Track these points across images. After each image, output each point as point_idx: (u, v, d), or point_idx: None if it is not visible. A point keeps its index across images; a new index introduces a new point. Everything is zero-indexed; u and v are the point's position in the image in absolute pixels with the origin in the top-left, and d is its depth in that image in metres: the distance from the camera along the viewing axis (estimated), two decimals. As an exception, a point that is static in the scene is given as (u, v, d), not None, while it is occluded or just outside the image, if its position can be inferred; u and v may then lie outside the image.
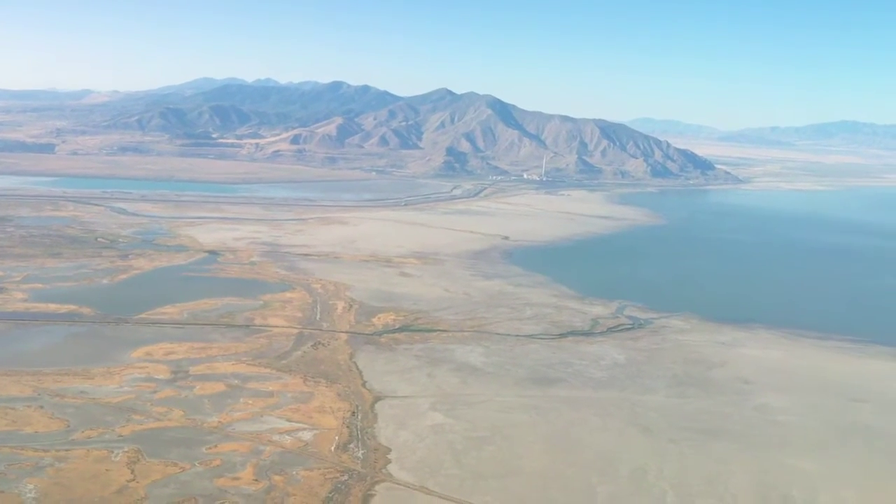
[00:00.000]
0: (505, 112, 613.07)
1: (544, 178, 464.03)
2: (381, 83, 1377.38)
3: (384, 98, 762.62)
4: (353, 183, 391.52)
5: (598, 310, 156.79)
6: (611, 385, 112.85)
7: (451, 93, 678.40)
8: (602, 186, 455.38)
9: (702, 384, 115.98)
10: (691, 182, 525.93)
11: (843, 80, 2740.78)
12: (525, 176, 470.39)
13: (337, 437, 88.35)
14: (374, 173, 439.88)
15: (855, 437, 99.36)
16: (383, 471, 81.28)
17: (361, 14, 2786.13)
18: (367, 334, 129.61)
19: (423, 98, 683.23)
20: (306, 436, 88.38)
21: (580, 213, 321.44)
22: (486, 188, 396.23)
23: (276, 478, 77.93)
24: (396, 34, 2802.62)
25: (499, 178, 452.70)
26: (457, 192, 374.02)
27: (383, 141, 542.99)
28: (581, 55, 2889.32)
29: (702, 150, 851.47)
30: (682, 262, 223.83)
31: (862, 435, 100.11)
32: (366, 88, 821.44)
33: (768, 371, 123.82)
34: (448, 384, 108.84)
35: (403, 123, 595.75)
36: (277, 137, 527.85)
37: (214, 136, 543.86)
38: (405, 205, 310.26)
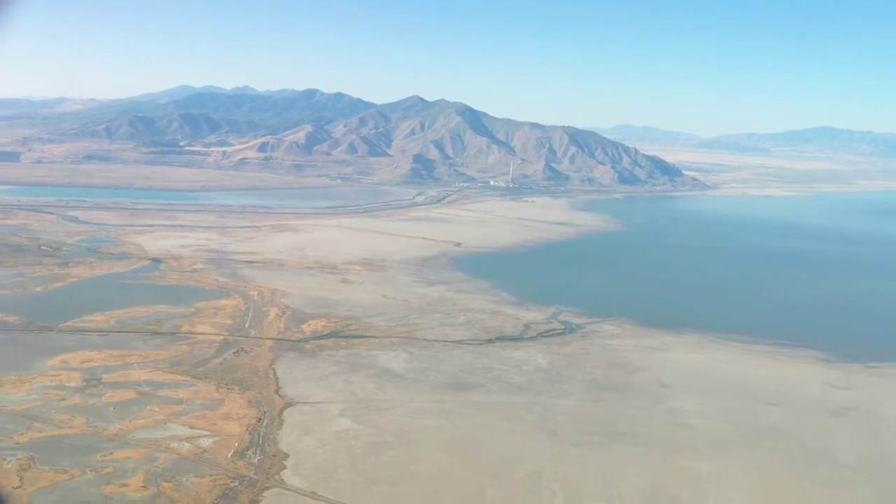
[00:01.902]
0: (475, 119, 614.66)
1: (511, 185, 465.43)
2: (355, 91, 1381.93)
3: (357, 105, 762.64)
4: (317, 190, 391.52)
5: (533, 315, 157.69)
6: (527, 390, 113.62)
7: (422, 100, 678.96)
8: (568, 193, 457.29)
9: (619, 388, 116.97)
10: (658, 188, 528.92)
11: (820, 87, 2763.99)
12: (492, 183, 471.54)
13: (237, 444, 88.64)
14: (339, 181, 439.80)
15: (760, 440, 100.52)
16: (276, 477, 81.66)
17: (338, 22, 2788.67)
18: (293, 341, 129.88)
19: (395, 105, 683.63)
20: (206, 443, 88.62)
21: (540, 219, 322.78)
22: (450, 195, 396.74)
23: (165, 485, 78.18)
24: (371, 41, 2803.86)
25: (465, 185, 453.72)
26: (419, 198, 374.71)
27: (352, 148, 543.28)
28: (558, 63, 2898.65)
29: (678, 157, 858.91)
30: (628, 267, 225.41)
31: (767, 438, 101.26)
32: (339, 96, 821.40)
33: (688, 375, 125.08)
34: (363, 390, 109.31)
35: (373, 131, 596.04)
36: (245, 145, 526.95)
37: (182, 143, 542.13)
38: (364, 212, 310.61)
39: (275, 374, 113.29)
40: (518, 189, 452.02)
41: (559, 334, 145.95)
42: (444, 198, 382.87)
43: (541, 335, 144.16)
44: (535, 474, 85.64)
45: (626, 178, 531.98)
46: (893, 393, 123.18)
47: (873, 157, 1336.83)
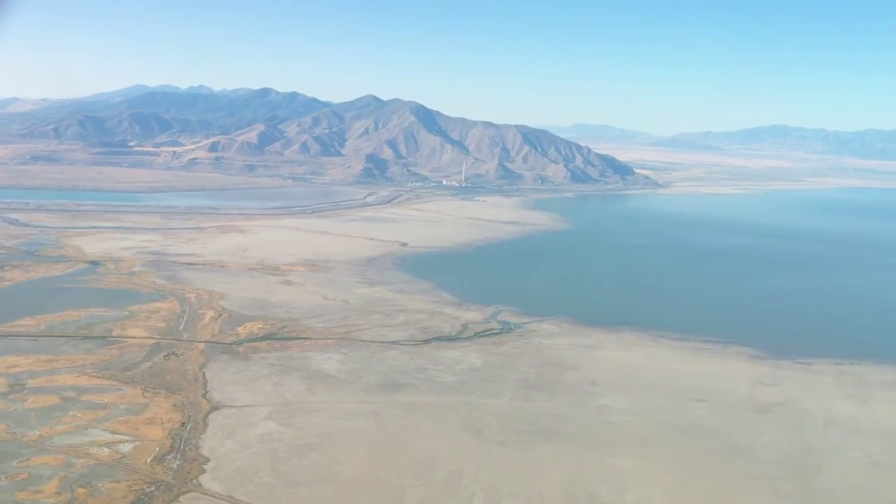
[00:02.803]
0: (428, 118, 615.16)
1: (464, 185, 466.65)
2: (310, 90, 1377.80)
3: (312, 105, 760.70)
4: (267, 191, 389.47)
5: (472, 315, 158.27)
6: (458, 390, 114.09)
7: (376, 99, 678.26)
8: (520, 192, 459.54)
9: (550, 387, 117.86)
10: (610, 187, 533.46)
11: (774, 86, 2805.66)
12: (445, 182, 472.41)
13: (157, 449, 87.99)
14: (290, 181, 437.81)
15: (683, 436, 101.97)
16: (194, 481, 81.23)
17: (294, 21, 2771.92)
18: (226, 344, 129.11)
19: (349, 105, 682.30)
20: (126, 448, 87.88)
21: (489, 218, 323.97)
22: (401, 195, 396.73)
23: (80, 490, 77.46)
24: (327, 40, 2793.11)
25: (418, 184, 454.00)
26: (370, 199, 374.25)
27: (304, 148, 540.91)
28: (513, 61, 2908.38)
29: (633, 156, 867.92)
30: (572, 266, 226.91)
31: (690, 434, 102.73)
32: (294, 95, 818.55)
33: (619, 373, 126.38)
34: (293, 392, 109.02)
35: (327, 130, 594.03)
36: (196, 145, 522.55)
37: (132, 144, 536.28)
38: (312, 212, 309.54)
39: (204, 377, 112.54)
40: (471, 188, 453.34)
41: (496, 334, 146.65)
42: (395, 198, 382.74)
43: (478, 335, 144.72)
44: (457, 474, 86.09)
45: (579, 177, 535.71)
46: (820, 389, 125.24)
47: (825, 155, 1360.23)
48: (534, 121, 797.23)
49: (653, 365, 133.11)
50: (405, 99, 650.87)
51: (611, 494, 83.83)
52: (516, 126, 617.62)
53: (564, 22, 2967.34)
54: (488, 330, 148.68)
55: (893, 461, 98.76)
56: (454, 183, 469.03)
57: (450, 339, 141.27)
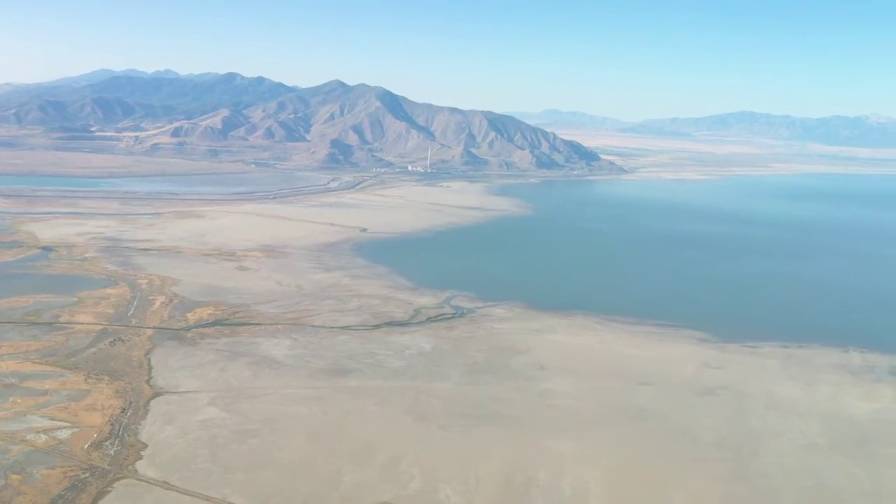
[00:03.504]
0: (394, 104, 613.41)
1: (429, 170, 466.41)
2: (277, 75, 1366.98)
3: (278, 90, 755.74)
4: (230, 176, 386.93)
5: (426, 300, 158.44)
6: (404, 374, 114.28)
7: (343, 84, 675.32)
8: (485, 178, 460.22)
9: (497, 371, 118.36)
10: (575, 173, 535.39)
11: (742, 72, 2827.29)
12: (410, 168, 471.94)
13: (95, 435, 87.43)
14: (253, 166, 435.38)
15: (625, 419, 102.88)
16: (130, 467, 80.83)
17: (259, 4, 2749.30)
18: (175, 329, 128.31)
19: (316, 90, 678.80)
20: (63, 434, 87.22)
21: (452, 204, 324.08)
22: (366, 180, 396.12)
23: (14, 477, 76.87)
24: (293, 25, 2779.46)
25: (383, 170, 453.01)
26: (333, 184, 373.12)
27: (269, 133, 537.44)
28: (481, 47, 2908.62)
29: (602, 142, 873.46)
30: (530, 251, 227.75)
31: (633, 417, 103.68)
32: (260, 80, 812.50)
33: (568, 356, 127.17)
34: (238, 378, 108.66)
35: (292, 115, 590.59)
36: (159, 130, 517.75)
37: (94, 129, 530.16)
38: (274, 198, 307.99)
39: (149, 363, 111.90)
40: (436, 174, 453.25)
41: (448, 319, 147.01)
42: (359, 183, 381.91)
43: (430, 320, 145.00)
44: (396, 458, 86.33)
45: (544, 163, 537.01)
46: (765, 372, 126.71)
47: (791, 141, 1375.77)
48: (503, 107, 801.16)
49: (602, 349, 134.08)
50: (371, 84, 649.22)
51: (548, 478, 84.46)
52: (483, 112, 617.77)
53: (533, 6, 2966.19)
54: (441, 315, 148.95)
55: (832, 443, 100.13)
56: (419, 169, 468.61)
57: (401, 324, 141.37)
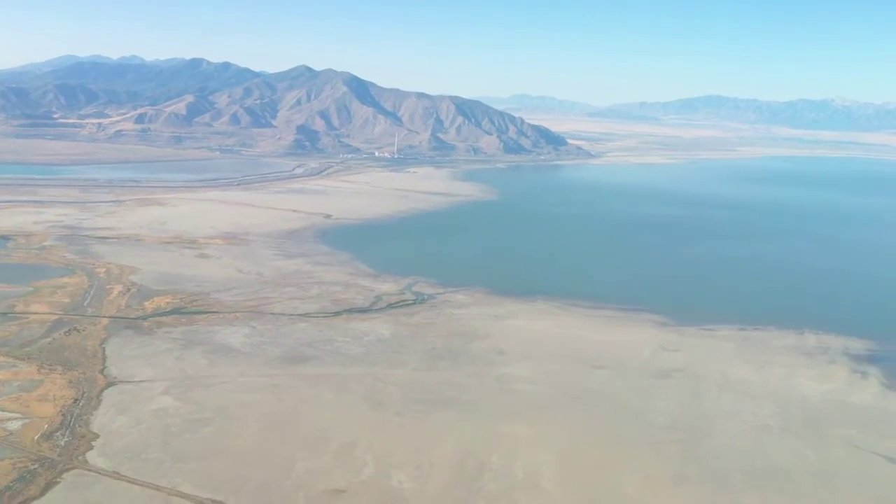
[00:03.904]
0: (362, 89, 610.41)
1: (396, 156, 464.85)
2: (243, 60, 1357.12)
3: (244, 75, 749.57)
4: (194, 163, 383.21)
5: (387, 286, 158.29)
6: (362, 361, 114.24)
7: (310, 70, 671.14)
8: (452, 163, 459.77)
9: (456, 356, 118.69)
10: (542, 157, 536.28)
11: (709, 56, 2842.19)
12: (377, 154, 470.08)
13: (46, 426, 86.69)
14: (218, 153, 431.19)
15: (580, 403, 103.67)
16: (80, 458, 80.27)
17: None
18: (131, 318, 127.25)
19: (282, 75, 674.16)
20: (14, 425, 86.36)
21: (418, 189, 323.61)
22: (332, 166, 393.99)
23: (-40, 470, 76.08)
24: (260, 9, 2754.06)
25: (349, 156, 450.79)
26: (299, 170, 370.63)
27: (235, 119, 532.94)
28: (449, 32, 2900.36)
29: (570, 126, 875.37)
30: (494, 236, 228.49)
31: (588, 401, 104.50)
32: (226, 66, 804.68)
33: (527, 341, 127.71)
34: (194, 367, 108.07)
35: (258, 101, 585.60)
36: (122, 117, 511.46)
37: (56, 115, 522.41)
38: (238, 184, 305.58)
39: (104, 353, 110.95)
40: (403, 160, 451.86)
41: (409, 305, 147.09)
42: (325, 169, 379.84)
43: (390, 306, 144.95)
44: (351, 445, 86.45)
45: (512, 148, 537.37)
46: (719, 354, 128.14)
47: (757, 125, 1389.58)
48: (472, 92, 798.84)
49: (561, 333, 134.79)
50: (339, 69, 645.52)
51: (501, 461, 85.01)
52: (450, 97, 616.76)
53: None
54: (402, 301, 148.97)
55: (783, 424, 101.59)
56: (386, 154, 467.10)
57: (362, 310, 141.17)
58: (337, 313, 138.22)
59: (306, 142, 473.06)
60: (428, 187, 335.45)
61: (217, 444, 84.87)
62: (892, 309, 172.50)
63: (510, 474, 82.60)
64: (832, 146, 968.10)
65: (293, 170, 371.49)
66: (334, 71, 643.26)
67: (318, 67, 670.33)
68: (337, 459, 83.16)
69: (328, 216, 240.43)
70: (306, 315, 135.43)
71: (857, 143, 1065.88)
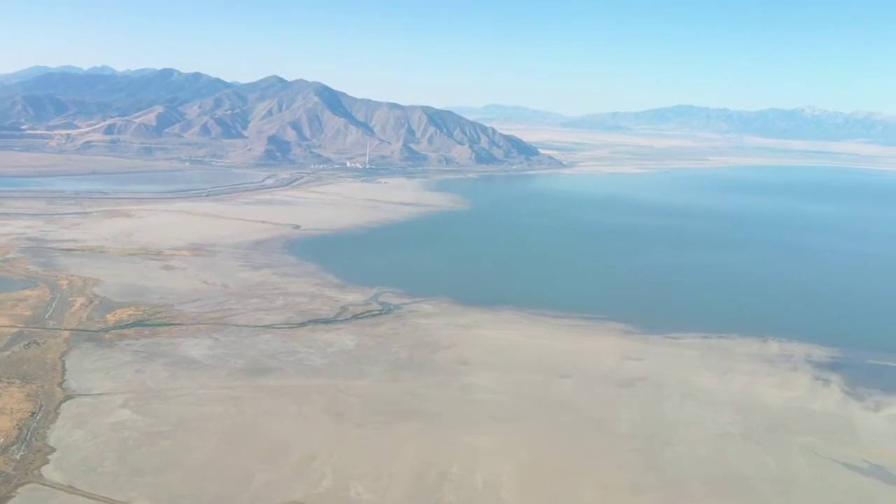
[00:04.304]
0: (333, 99, 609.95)
1: (368, 166, 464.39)
2: (214, 71, 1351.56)
3: (216, 85, 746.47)
4: (163, 174, 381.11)
5: (354, 297, 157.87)
6: (326, 372, 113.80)
7: (281, 80, 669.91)
8: (424, 173, 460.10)
9: (419, 367, 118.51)
10: (514, 167, 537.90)
11: (680, 66, 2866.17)
12: (348, 164, 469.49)
13: (2, 440, 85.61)
14: (188, 163, 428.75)
15: (543, 412, 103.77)
16: (35, 472, 79.33)
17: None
18: (93, 331, 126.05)
19: (253, 86, 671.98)
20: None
21: (389, 200, 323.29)
22: (303, 177, 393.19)
23: (-89, 486, 74.91)
24: (232, 20, 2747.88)
25: (321, 166, 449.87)
26: (269, 181, 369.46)
27: (205, 130, 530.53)
28: (423, 42, 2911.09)
29: (543, 136, 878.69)
30: (462, 246, 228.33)
31: (551, 410, 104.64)
32: (197, 76, 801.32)
33: (491, 351, 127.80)
34: (154, 379, 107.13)
35: (229, 112, 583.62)
36: (91, 128, 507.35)
37: (24, 127, 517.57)
38: (207, 196, 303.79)
39: (63, 366, 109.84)
40: (374, 170, 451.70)
41: (375, 315, 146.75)
42: (295, 180, 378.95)
43: (356, 317, 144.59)
44: (310, 457, 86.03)
45: (484, 158, 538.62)
46: (683, 363, 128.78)
47: (728, 134, 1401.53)
48: (446, 102, 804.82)
49: (526, 343, 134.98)
50: (310, 80, 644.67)
51: (461, 472, 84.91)
52: (422, 107, 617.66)
53: (476, 1, 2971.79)
54: (368, 311, 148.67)
55: (744, 431, 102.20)
56: (358, 165, 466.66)
57: (327, 321, 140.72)
58: (302, 324, 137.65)
59: (277, 152, 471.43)
60: (398, 197, 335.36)
61: (174, 458, 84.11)
62: (856, 316, 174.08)
63: (470, 485, 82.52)
64: (802, 155, 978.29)
65: (263, 180, 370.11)
66: (306, 81, 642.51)
67: (289, 78, 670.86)
68: (295, 472, 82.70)
69: (297, 227, 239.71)
70: (270, 326, 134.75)
71: (827, 152, 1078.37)
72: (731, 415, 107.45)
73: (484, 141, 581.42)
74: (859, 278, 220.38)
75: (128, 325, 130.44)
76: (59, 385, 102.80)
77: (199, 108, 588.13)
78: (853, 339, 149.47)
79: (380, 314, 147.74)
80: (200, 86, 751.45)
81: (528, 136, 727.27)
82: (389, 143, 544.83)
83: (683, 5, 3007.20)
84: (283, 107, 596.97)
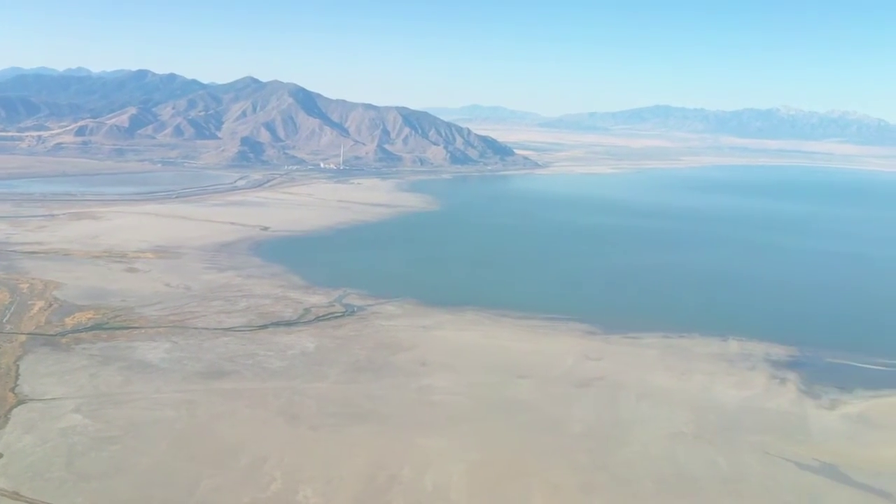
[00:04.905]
0: (308, 100, 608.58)
1: (342, 167, 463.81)
2: (189, 72, 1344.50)
3: (191, 87, 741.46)
4: (134, 176, 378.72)
5: (317, 299, 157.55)
6: (283, 375, 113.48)
7: (255, 81, 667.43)
8: (398, 174, 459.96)
9: (378, 368, 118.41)
10: (489, 168, 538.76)
11: (657, 66, 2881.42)
12: (322, 165, 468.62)
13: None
14: (160, 165, 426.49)
15: (498, 413, 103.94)
16: (-21, 479, 78.66)
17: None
18: (49, 335, 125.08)
19: (228, 87, 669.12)
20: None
21: (360, 201, 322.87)
22: (275, 178, 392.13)
23: None
24: (206, 20, 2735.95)
25: (294, 167, 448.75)
26: (241, 182, 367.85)
27: (178, 131, 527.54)
28: (398, 42, 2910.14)
29: (520, 137, 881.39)
30: (430, 248, 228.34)
31: (506, 410, 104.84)
32: (172, 77, 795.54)
33: (451, 352, 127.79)
34: (108, 383, 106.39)
35: (203, 113, 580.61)
36: (63, 129, 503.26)
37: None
38: (176, 197, 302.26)
39: (17, 370, 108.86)
40: (348, 171, 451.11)
41: (338, 317, 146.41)
42: (267, 181, 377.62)
43: (318, 319, 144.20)
44: (260, 461, 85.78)
45: (459, 159, 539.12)
46: (642, 362, 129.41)
47: (705, 134, 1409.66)
48: (423, 103, 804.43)
49: (487, 343, 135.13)
50: (285, 81, 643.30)
51: (412, 474, 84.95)
52: (397, 108, 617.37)
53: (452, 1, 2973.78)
54: (331, 313, 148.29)
55: (697, 431, 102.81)
56: (332, 166, 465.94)
57: (288, 323, 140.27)
58: (263, 327, 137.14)
59: (251, 153, 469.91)
60: (371, 198, 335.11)
61: (122, 463, 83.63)
62: (816, 314, 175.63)
63: (419, 487, 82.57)
64: (777, 155, 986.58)
65: (235, 182, 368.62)
66: (280, 82, 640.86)
67: (264, 79, 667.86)
68: (245, 476, 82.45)
69: (265, 228, 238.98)
70: (231, 329, 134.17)
71: (801, 151, 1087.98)
72: (686, 414, 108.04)
73: (459, 142, 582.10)
74: (823, 277, 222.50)
75: (86, 329, 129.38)
76: (12, 390, 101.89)
77: (173, 109, 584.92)
78: (813, 338, 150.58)
79: (342, 316, 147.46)
80: (175, 87, 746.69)
81: (505, 136, 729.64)
82: (364, 143, 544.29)
83: (661, 7, 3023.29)
84: (258, 108, 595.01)
